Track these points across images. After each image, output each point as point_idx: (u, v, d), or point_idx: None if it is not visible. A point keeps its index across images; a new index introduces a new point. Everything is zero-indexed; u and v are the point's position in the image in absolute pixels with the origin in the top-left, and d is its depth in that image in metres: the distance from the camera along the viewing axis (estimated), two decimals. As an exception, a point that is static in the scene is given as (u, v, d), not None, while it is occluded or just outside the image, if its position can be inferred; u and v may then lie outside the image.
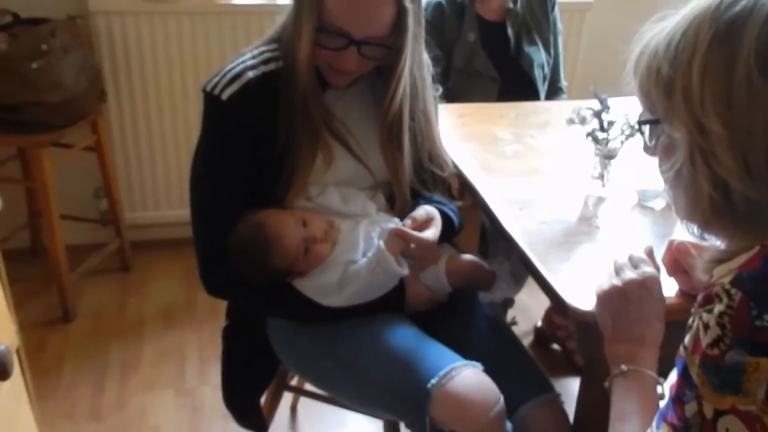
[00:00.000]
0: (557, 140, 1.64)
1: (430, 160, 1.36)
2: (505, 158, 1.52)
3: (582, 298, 1.04)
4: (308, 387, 1.47)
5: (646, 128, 0.85)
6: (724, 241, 0.78)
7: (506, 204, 1.32)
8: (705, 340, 0.70)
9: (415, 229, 1.23)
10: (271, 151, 1.21)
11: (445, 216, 1.30)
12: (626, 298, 0.95)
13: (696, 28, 0.73)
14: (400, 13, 1.16)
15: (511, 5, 2.08)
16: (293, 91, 1.20)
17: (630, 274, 0.97)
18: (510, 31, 2.10)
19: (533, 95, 2.11)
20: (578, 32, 2.77)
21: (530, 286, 2.19)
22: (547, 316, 2.26)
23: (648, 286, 0.96)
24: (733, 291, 0.68)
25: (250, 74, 1.21)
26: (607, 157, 1.33)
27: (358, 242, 1.23)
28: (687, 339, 0.74)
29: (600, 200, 1.35)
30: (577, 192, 1.37)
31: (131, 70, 2.41)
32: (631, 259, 1.01)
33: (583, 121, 1.32)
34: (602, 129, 1.31)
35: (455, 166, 1.42)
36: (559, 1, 2.23)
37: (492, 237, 1.89)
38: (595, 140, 1.33)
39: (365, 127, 1.30)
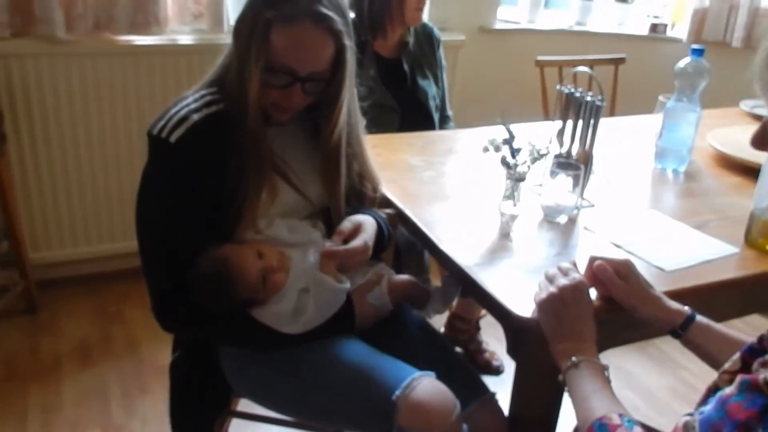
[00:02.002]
0: (464, 165, 1.72)
1: (362, 183, 1.39)
2: (423, 183, 1.58)
3: (519, 305, 1.11)
4: (257, 411, 1.44)
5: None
6: None
7: (435, 226, 1.37)
8: None
9: (344, 240, 1.26)
10: (220, 188, 1.20)
11: (376, 222, 1.34)
12: (563, 302, 1.03)
13: None
14: (339, 50, 1.19)
15: (408, 39, 2.16)
16: (239, 131, 1.19)
17: (563, 281, 1.05)
18: (406, 67, 2.18)
19: (430, 124, 2.20)
20: (453, 66, 2.91)
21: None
22: (449, 323, 2.35)
23: (580, 289, 1.04)
24: None
25: (195, 117, 1.19)
26: (517, 179, 1.42)
27: (309, 269, 1.24)
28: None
29: (513, 218, 1.43)
30: (492, 211, 1.45)
31: (32, 113, 2.25)
32: (560, 268, 1.09)
33: (497, 149, 1.40)
34: (512, 155, 1.40)
35: (383, 194, 1.46)
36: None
37: (405, 255, 1.95)
38: (506, 165, 1.41)
39: (302, 159, 1.31)
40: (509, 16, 3.19)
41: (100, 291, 2.55)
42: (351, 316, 1.26)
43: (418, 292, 1.37)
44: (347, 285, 1.23)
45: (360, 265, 1.29)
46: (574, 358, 0.98)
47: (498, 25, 3.07)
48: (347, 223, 1.29)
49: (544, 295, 1.05)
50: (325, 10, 1.14)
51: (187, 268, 1.16)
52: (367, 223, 1.30)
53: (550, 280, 1.08)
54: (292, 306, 1.20)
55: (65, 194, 2.40)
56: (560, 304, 1.03)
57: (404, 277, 1.36)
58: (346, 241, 1.26)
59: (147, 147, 1.22)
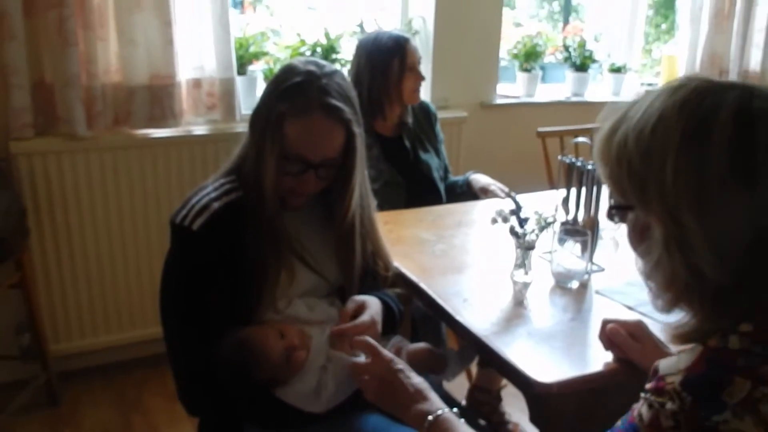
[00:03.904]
0: (474, 237, 1.76)
1: (375, 262, 1.43)
2: (435, 257, 1.62)
3: (539, 371, 1.13)
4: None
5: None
6: (688, 316, 0.78)
7: (450, 298, 1.40)
8: (664, 423, 0.72)
9: (351, 319, 1.28)
10: (241, 272, 1.24)
11: (382, 302, 1.36)
12: (385, 379, 1.08)
13: (665, 125, 0.72)
14: (349, 137, 1.26)
15: (407, 120, 2.25)
16: (257, 216, 1.25)
17: (371, 365, 1.10)
18: (407, 143, 2.26)
19: (436, 195, 2.26)
20: (457, 141, 3.00)
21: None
22: (470, 395, 2.33)
23: (389, 357, 1.10)
24: (684, 394, 0.70)
25: (216, 205, 1.25)
26: (527, 248, 1.46)
27: (327, 347, 1.26)
28: (645, 414, 0.74)
29: (526, 285, 1.46)
30: (504, 280, 1.48)
31: (54, 207, 2.33)
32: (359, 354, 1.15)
33: (505, 219, 1.44)
34: (520, 225, 1.45)
35: (396, 268, 1.50)
36: (443, 117, 2.47)
37: (421, 327, 1.97)
38: (515, 235, 1.45)
39: (317, 241, 1.36)
40: (508, 91, 3.31)
41: (120, 380, 2.55)
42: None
43: (435, 358, 1.38)
44: (362, 358, 1.25)
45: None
46: (429, 417, 1.01)
47: (498, 101, 3.18)
48: (351, 304, 1.31)
49: (368, 384, 1.10)
50: (334, 102, 1.21)
51: (210, 352, 1.19)
52: (370, 301, 1.33)
53: (362, 371, 1.12)
54: (314, 384, 1.22)
55: (86, 285, 2.45)
56: (383, 382, 1.08)
57: (420, 345, 1.38)
58: (353, 319, 1.29)
59: (169, 235, 1.27)
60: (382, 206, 1.86)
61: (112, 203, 2.41)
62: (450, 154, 2.57)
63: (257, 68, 2.70)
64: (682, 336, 0.77)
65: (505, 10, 3.13)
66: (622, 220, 0.82)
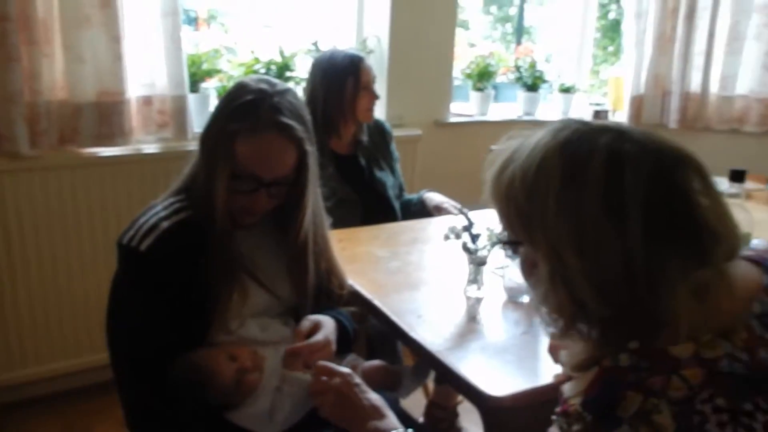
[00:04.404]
0: (428, 254, 1.78)
1: (329, 280, 1.43)
2: (389, 274, 1.63)
3: (492, 385, 1.14)
4: None
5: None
6: (580, 345, 0.81)
7: (404, 314, 1.40)
8: None
9: (305, 339, 1.27)
10: (191, 293, 1.22)
11: (336, 320, 1.36)
12: (341, 393, 1.08)
13: (547, 166, 0.77)
14: (302, 155, 1.26)
15: (362, 138, 2.27)
16: (208, 236, 1.23)
17: (331, 382, 1.10)
18: (362, 161, 2.27)
19: (391, 213, 2.27)
20: (412, 158, 3.03)
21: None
22: (428, 411, 2.33)
23: (346, 372, 1.10)
24: (585, 414, 0.74)
25: (165, 224, 1.23)
26: (479, 264, 1.48)
27: (282, 367, 1.25)
28: None
29: (478, 301, 1.48)
30: (458, 296, 1.50)
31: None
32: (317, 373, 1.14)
33: (457, 236, 1.46)
34: (472, 241, 1.46)
35: (351, 285, 1.49)
36: (397, 135, 2.49)
37: (378, 345, 1.96)
38: (468, 251, 1.47)
39: (270, 259, 1.35)
40: (462, 110, 3.36)
41: (67, 409, 2.46)
42: (326, 409, 1.26)
43: (390, 375, 1.38)
44: None
45: (328, 360, 1.30)
46: None
47: (452, 119, 3.22)
48: (305, 323, 1.30)
49: (325, 402, 1.10)
50: (286, 120, 1.21)
51: (160, 377, 1.17)
52: (324, 320, 1.33)
53: (319, 392, 1.12)
54: (268, 405, 1.21)
55: (28, 310, 2.36)
56: (342, 397, 1.08)
57: (375, 362, 1.38)
58: (307, 338, 1.28)
59: (117, 257, 1.24)
60: (337, 224, 1.86)
61: (57, 225, 2.34)
62: (405, 171, 2.60)
63: (210, 86, 2.68)
64: (579, 364, 0.80)
65: (460, 31, 3.19)
66: (515, 253, 0.85)
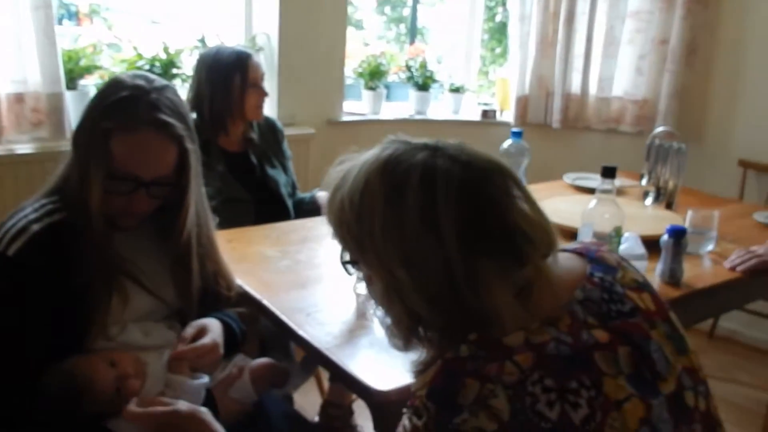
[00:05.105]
0: (319, 252, 1.78)
1: (216, 282, 1.41)
2: (279, 273, 1.62)
3: (379, 380, 1.16)
4: None
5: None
6: (423, 352, 0.88)
7: (294, 313, 1.40)
8: None
9: (188, 343, 1.25)
10: (66, 299, 1.16)
11: (223, 323, 1.35)
12: (166, 426, 1.09)
13: (370, 190, 0.82)
14: (182, 154, 1.23)
15: (252, 136, 2.24)
16: (83, 239, 1.18)
17: (154, 411, 1.10)
18: (253, 159, 2.25)
19: (284, 211, 2.26)
20: (305, 157, 3.03)
21: (302, 388, 2.27)
22: (323, 410, 2.34)
23: (178, 409, 1.10)
24: (429, 404, 0.78)
25: (35, 227, 1.17)
26: (368, 260, 1.50)
27: (165, 373, 1.22)
28: (407, 427, 0.82)
29: (368, 298, 1.50)
30: (348, 294, 1.51)
31: None
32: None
33: (346, 234, 1.47)
34: (361, 238, 1.48)
35: (240, 286, 1.48)
36: (290, 134, 2.49)
37: (270, 345, 1.95)
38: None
39: (153, 262, 1.31)
40: (354, 108, 3.39)
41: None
42: (214, 411, 1.24)
43: (278, 372, 1.38)
44: (205, 380, 1.22)
45: (216, 363, 1.29)
46: None
47: (344, 118, 3.25)
48: (189, 329, 1.28)
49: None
50: (164, 117, 1.18)
51: (31, 388, 1.11)
52: (211, 323, 1.31)
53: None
54: (150, 412, 1.17)
55: None
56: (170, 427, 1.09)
57: (262, 360, 1.38)
58: (193, 342, 1.26)
59: (-17, 262, 1.16)
60: (229, 224, 1.84)
61: None
62: (298, 170, 2.59)
63: (90, 83, 2.56)
64: (425, 364, 0.85)
65: (355, 31, 3.21)
66: (356, 270, 0.92)
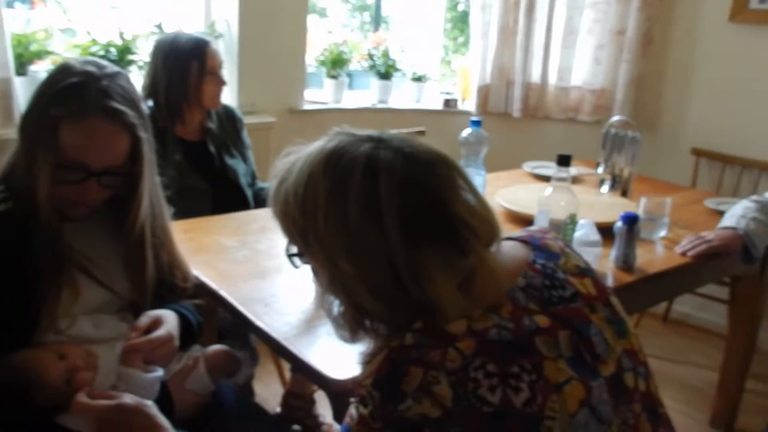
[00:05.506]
0: (278, 242, 1.75)
1: (172, 273, 1.38)
2: (237, 263, 1.60)
3: (337, 370, 1.16)
4: None
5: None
6: (370, 343, 0.88)
7: (252, 304, 1.39)
8: (369, 422, 0.80)
9: (142, 335, 1.23)
10: (13, 292, 1.13)
11: (179, 314, 1.32)
12: (111, 420, 1.06)
13: (314, 183, 0.82)
14: (135, 143, 1.20)
15: (210, 125, 2.20)
16: (30, 230, 1.15)
17: (99, 404, 1.07)
18: (212, 148, 2.21)
19: (244, 200, 2.23)
20: (266, 146, 2.99)
21: (264, 380, 2.26)
22: (285, 401, 2.33)
23: (123, 402, 1.07)
24: (374, 393, 0.79)
25: (-21, 218, 1.13)
26: (327, 250, 1.49)
27: (118, 365, 1.19)
28: (354, 416, 0.82)
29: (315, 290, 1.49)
30: (307, 283, 1.50)
31: None
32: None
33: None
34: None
35: (196, 277, 1.46)
36: (250, 122, 2.46)
37: (229, 337, 1.93)
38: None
39: (106, 252, 1.28)
40: (316, 97, 3.36)
41: None
42: (169, 405, 1.22)
43: (232, 360, 1.37)
44: (159, 373, 1.20)
45: (171, 355, 1.27)
46: None
47: (306, 106, 3.22)
48: (144, 318, 1.25)
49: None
50: (115, 105, 1.15)
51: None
52: (166, 314, 1.28)
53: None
54: (103, 405, 1.15)
55: None
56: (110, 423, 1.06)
57: (216, 347, 1.36)
58: (147, 334, 1.23)
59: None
60: (187, 214, 1.81)
61: None
62: (258, 159, 2.56)
63: (41, 69, 2.48)
64: (372, 355, 0.85)
65: (318, 19, 3.18)
66: (302, 262, 0.91)
